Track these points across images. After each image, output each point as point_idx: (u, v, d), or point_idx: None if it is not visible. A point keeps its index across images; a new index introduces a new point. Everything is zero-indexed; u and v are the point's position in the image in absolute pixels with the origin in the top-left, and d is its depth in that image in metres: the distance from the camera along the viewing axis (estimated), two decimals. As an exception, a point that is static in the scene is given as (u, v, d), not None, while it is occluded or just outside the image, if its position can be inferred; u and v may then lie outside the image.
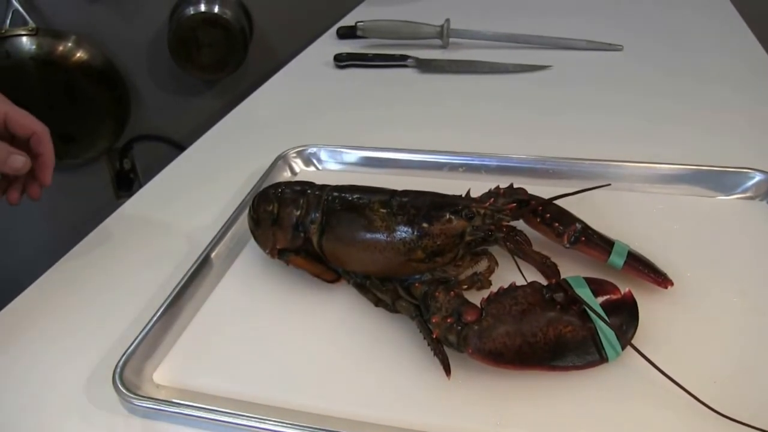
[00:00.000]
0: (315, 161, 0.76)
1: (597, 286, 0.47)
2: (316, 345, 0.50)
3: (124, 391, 0.46)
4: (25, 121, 0.59)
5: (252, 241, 0.61)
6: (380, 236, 0.51)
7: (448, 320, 0.46)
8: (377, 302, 0.53)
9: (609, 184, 0.58)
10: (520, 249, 0.55)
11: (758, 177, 0.64)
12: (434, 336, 0.46)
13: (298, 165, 0.76)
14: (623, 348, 0.45)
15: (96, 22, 1.47)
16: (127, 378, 0.47)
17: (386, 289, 0.52)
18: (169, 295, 0.54)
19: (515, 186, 0.58)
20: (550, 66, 1.03)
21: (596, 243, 0.54)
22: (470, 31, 1.14)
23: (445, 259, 0.51)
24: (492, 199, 0.55)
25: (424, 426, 0.44)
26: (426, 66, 1.06)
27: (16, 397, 0.49)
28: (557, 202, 0.56)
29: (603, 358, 0.45)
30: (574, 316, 0.45)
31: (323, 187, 0.56)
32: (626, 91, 0.93)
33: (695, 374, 0.45)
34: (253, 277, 0.58)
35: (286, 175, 0.74)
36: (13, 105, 0.60)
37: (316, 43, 1.25)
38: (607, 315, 0.45)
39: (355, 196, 0.54)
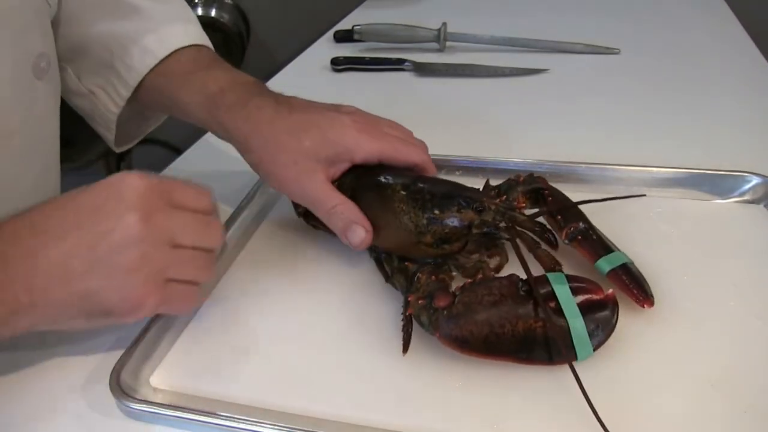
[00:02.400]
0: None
1: (578, 285, 0.47)
2: (315, 349, 0.50)
3: (121, 394, 0.46)
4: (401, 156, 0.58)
5: (249, 244, 0.61)
6: (395, 216, 0.53)
7: (421, 301, 0.48)
8: (387, 279, 0.56)
9: (644, 195, 0.59)
10: (529, 247, 0.54)
11: (756, 180, 0.64)
12: (408, 313, 0.49)
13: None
14: (595, 349, 0.45)
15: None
16: (124, 381, 0.47)
17: (397, 267, 0.54)
18: (166, 299, 0.54)
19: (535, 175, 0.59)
20: (547, 70, 1.03)
21: (590, 244, 0.54)
22: (467, 35, 1.14)
23: (453, 247, 0.53)
24: (505, 197, 0.57)
25: (424, 429, 0.43)
26: (423, 69, 1.07)
27: (12, 401, 0.49)
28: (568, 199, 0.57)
29: (573, 357, 0.45)
30: (548, 313, 0.45)
31: (357, 166, 0.58)
32: (623, 95, 0.94)
33: (692, 377, 0.45)
34: (251, 281, 0.58)
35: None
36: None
37: (313, 47, 1.25)
38: (583, 314, 0.45)
39: (382, 176, 0.56)
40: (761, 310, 0.51)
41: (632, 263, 0.52)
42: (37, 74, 0.58)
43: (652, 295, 0.50)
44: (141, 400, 0.46)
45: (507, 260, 0.54)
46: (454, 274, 0.53)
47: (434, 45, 1.15)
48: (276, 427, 0.43)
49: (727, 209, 0.64)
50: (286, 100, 0.59)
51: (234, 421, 0.44)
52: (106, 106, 0.67)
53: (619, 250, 0.53)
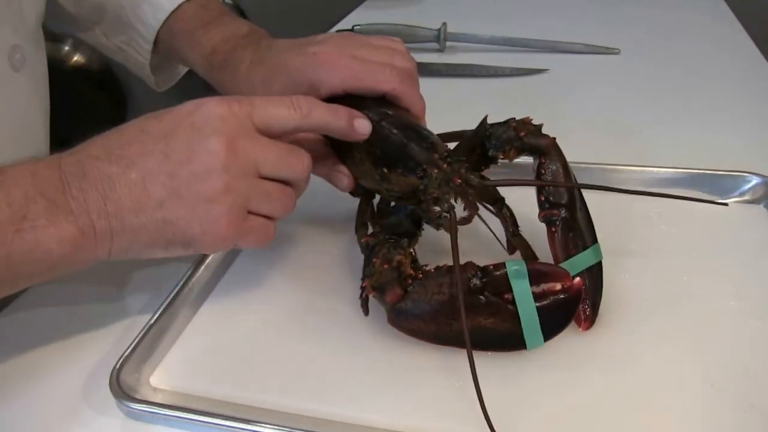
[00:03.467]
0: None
1: (540, 274, 0.45)
2: (314, 348, 0.50)
3: (121, 394, 0.46)
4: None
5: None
6: (357, 165, 0.53)
7: (373, 294, 0.47)
8: (356, 228, 0.55)
9: (726, 204, 0.56)
10: (504, 226, 0.52)
11: (755, 180, 0.64)
12: (363, 296, 0.49)
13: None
14: (546, 340, 0.46)
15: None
16: (124, 381, 0.47)
17: (361, 221, 0.54)
18: (166, 298, 0.54)
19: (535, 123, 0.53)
20: (547, 69, 1.03)
21: (562, 239, 0.50)
22: (467, 35, 1.14)
23: (414, 202, 0.50)
24: (460, 165, 0.49)
25: (424, 429, 0.43)
26: (423, 69, 1.06)
27: (12, 401, 0.49)
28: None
29: (522, 346, 0.45)
30: (499, 308, 0.45)
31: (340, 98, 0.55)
32: (623, 95, 0.94)
33: (692, 378, 0.45)
34: (251, 281, 0.58)
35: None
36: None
37: (313, 47, 1.24)
38: (539, 307, 0.45)
39: (374, 108, 0.53)
40: (761, 310, 0.51)
41: (596, 266, 0.50)
42: (14, 66, 0.58)
43: (592, 316, 0.49)
44: (141, 400, 0.46)
45: (477, 210, 0.49)
46: (412, 251, 0.50)
47: (434, 45, 1.15)
48: (276, 427, 0.43)
49: (727, 209, 0.64)
50: (267, 46, 0.58)
51: (234, 421, 0.44)
52: (135, 59, 0.71)
53: (592, 245, 0.50)
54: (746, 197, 0.64)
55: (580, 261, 0.49)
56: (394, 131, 0.51)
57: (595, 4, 1.34)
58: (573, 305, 0.46)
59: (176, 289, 0.55)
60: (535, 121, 0.54)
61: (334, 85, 0.54)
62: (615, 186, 0.64)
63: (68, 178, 0.43)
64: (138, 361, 0.49)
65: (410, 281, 0.46)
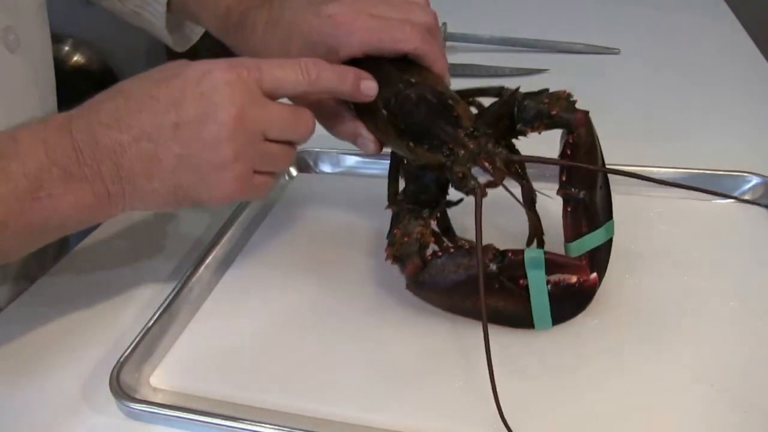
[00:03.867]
0: (312, 164, 0.76)
1: (556, 265, 0.47)
2: (314, 348, 0.50)
3: (121, 394, 0.46)
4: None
5: (250, 243, 0.61)
6: (384, 134, 0.52)
7: (393, 262, 0.49)
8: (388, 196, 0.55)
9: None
10: (524, 196, 0.53)
11: (755, 180, 0.64)
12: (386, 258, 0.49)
13: (294, 168, 0.76)
14: (554, 325, 0.48)
15: (93, 26, 1.47)
16: (124, 381, 0.47)
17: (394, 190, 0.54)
18: (166, 298, 0.54)
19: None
20: (548, 70, 1.03)
21: (574, 219, 0.50)
22: (467, 35, 1.14)
23: (440, 173, 0.50)
24: (486, 140, 0.47)
25: (424, 429, 0.43)
26: (423, 69, 1.06)
27: (12, 401, 0.49)
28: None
29: (531, 326, 0.48)
30: (512, 294, 0.46)
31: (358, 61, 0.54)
32: (623, 95, 0.93)
33: (692, 378, 0.45)
34: (251, 280, 0.58)
35: (282, 180, 0.74)
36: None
37: (313, 47, 1.24)
38: (552, 298, 0.46)
39: (396, 74, 0.52)
40: (761, 310, 0.51)
41: (605, 244, 0.51)
42: (8, 47, 0.58)
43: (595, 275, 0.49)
44: (141, 400, 0.46)
45: (503, 179, 0.47)
46: (433, 221, 0.51)
47: (434, 45, 1.15)
48: (276, 427, 0.43)
49: (727, 209, 0.64)
50: (280, 5, 0.57)
51: (234, 421, 0.44)
52: (151, 22, 0.70)
53: (605, 223, 0.51)
54: (746, 197, 0.64)
55: (589, 241, 0.50)
56: (419, 105, 0.50)
57: (595, 4, 1.34)
58: (586, 298, 0.47)
59: (176, 289, 0.55)
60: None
61: (353, 48, 0.53)
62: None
63: (81, 147, 0.44)
64: (138, 361, 0.49)
65: (430, 257, 0.47)
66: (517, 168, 0.52)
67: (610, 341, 0.48)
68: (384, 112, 0.51)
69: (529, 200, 0.54)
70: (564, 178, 0.51)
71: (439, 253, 0.48)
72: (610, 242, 0.51)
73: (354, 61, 0.53)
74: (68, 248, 0.67)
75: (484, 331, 0.42)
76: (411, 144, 0.49)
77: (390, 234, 0.50)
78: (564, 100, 0.51)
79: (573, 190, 0.50)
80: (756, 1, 1.40)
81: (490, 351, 0.41)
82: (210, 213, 0.69)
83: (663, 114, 0.87)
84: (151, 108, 0.45)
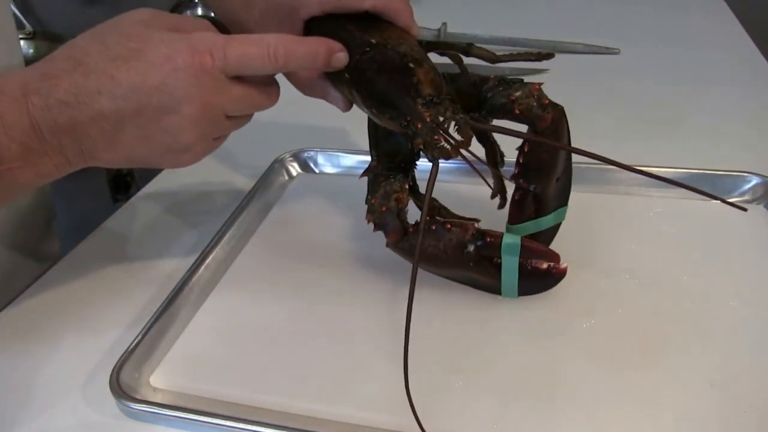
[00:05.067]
0: (312, 165, 0.76)
1: (531, 251, 0.50)
2: (314, 348, 0.50)
3: (121, 394, 0.46)
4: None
5: (250, 243, 0.61)
6: (351, 98, 0.52)
7: (376, 228, 0.51)
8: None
9: (745, 209, 0.50)
10: (488, 157, 0.55)
11: (755, 180, 0.64)
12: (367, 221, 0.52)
13: (294, 168, 0.76)
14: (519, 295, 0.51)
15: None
16: (124, 381, 0.47)
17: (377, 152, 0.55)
18: (166, 298, 0.54)
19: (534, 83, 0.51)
20: (547, 70, 1.03)
21: (517, 205, 0.51)
22: (467, 35, 1.14)
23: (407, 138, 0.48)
24: (445, 108, 0.46)
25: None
26: (423, 69, 1.06)
27: (12, 401, 0.49)
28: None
29: (497, 293, 0.52)
30: (486, 270, 0.50)
31: (323, 23, 0.53)
32: (623, 95, 0.93)
33: (692, 377, 0.45)
34: (252, 280, 0.58)
35: (282, 179, 0.74)
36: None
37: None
38: (521, 277, 0.50)
39: (356, 35, 0.51)
40: (761, 310, 0.51)
41: (552, 228, 0.53)
42: None
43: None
44: (141, 400, 0.46)
45: (467, 146, 0.46)
46: (408, 186, 0.52)
47: (434, 45, 1.15)
48: (276, 427, 0.43)
49: (727, 209, 0.64)
50: None
51: (234, 421, 0.44)
52: None
53: (554, 210, 0.52)
54: (746, 197, 0.64)
55: (532, 226, 0.52)
56: (378, 71, 0.48)
57: (595, 4, 1.34)
58: (551, 283, 0.51)
59: (176, 289, 0.55)
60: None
61: (313, 8, 0.52)
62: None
63: (39, 125, 0.44)
64: (138, 361, 0.49)
65: (412, 229, 0.50)
66: (480, 133, 0.52)
67: (608, 342, 0.48)
68: (347, 76, 0.50)
69: (493, 162, 0.55)
70: (518, 171, 0.50)
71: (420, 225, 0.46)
72: (556, 227, 0.54)
73: (314, 20, 0.53)
74: (68, 248, 0.67)
75: (407, 314, 0.43)
76: (374, 110, 0.49)
77: (367, 200, 0.52)
78: (532, 98, 0.49)
79: (525, 184, 0.51)
80: (756, 1, 1.40)
81: (408, 336, 0.42)
82: (209, 215, 0.69)
83: (663, 114, 0.86)
84: (111, 92, 0.44)
